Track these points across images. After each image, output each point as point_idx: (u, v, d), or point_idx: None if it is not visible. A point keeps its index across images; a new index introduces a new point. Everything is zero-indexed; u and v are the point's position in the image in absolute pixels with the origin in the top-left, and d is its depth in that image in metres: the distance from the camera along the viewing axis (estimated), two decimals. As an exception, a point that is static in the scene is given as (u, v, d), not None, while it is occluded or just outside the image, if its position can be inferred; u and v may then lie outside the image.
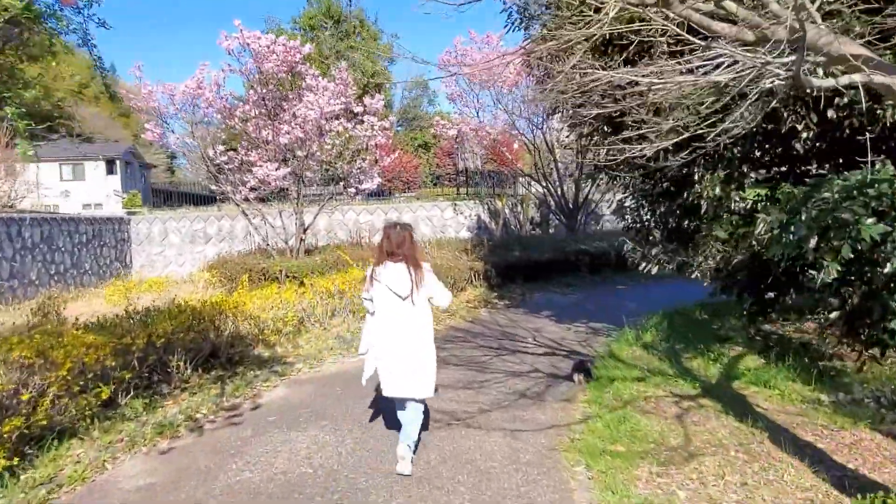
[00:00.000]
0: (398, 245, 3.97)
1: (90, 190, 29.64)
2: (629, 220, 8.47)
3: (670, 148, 4.51)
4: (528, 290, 12.84)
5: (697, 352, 6.69)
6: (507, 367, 6.67)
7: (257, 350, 7.28)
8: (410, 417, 4.03)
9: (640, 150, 4.12)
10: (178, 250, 20.25)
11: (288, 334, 7.98)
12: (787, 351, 6.29)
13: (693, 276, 6.89)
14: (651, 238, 7.82)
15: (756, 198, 6.38)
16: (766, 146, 6.55)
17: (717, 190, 6.35)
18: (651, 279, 14.43)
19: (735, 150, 6.23)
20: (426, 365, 3.98)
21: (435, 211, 19.02)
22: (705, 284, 7.01)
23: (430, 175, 34.90)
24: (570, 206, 17.64)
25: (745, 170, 6.52)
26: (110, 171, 30.14)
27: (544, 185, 17.76)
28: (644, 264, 7.42)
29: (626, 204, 8.49)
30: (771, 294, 6.51)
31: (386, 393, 4.04)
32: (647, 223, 8.11)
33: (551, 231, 21.62)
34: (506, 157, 18.78)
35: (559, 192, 17.52)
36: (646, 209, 8.08)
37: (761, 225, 5.60)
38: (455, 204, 19.13)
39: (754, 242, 5.92)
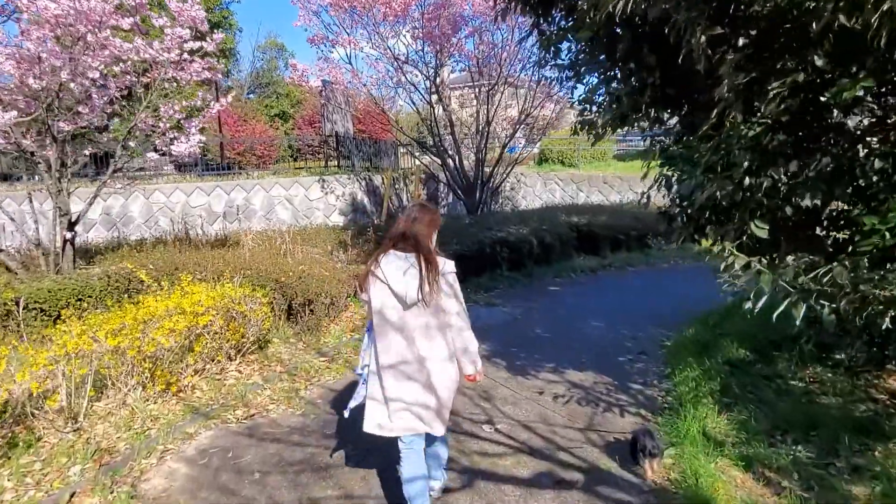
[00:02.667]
0: (407, 228, 2.92)
1: None
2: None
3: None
4: (437, 300, 9.03)
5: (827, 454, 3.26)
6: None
7: None
8: (429, 453, 3.14)
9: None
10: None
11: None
12: None
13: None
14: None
15: None
16: None
17: None
18: (590, 276, 11.31)
19: None
20: (440, 389, 2.91)
21: (297, 189, 14.54)
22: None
23: (290, 149, 29.72)
24: (471, 181, 13.98)
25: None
26: None
27: (435, 154, 13.94)
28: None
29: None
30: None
31: (368, 428, 3.00)
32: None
33: (442, 212, 17.93)
34: (384, 120, 14.71)
35: (456, 164, 13.78)
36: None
37: None
38: (323, 179, 14.76)
39: None
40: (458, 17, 10.57)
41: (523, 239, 11.22)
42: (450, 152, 13.87)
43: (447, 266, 2.92)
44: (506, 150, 14.31)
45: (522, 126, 13.61)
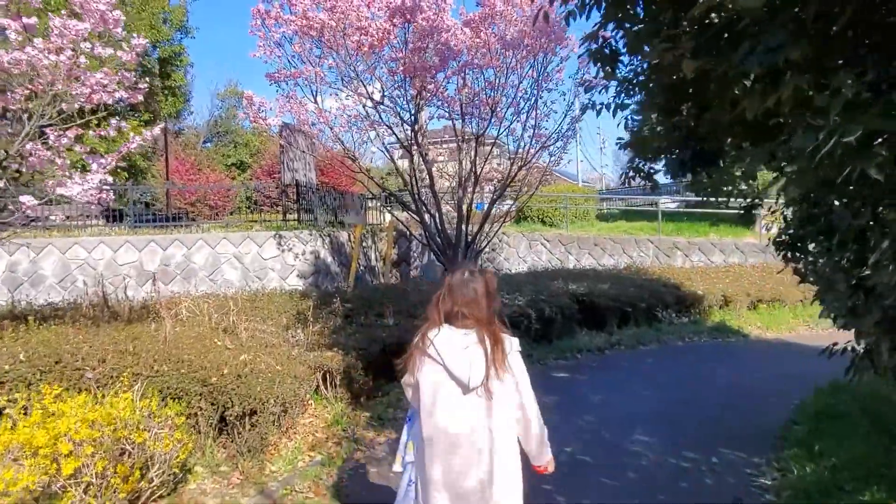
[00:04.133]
0: (467, 302, 2.50)
1: None
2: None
3: None
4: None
5: None
6: None
7: None
8: None
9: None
10: None
11: None
12: None
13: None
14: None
15: None
16: None
17: None
18: (599, 357, 9.43)
19: None
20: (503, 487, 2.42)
21: (248, 246, 12.43)
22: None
23: (248, 200, 27.43)
24: (452, 240, 12.12)
25: None
26: None
27: (412, 208, 12.11)
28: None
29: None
30: None
31: None
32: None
33: (414, 273, 16.01)
34: (353, 169, 12.91)
35: (436, 220, 11.94)
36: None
37: None
38: (280, 235, 12.70)
39: None
40: (446, 50, 8.93)
41: (520, 312, 9.34)
42: (428, 207, 12.04)
43: (514, 344, 2.54)
44: (473, 206, 12.58)
45: (514, 179, 11.96)
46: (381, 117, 10.12)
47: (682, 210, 21.25)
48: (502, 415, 2.46)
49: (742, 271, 13.42)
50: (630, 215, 22.33)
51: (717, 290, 12.12)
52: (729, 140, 3.89)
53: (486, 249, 15.43)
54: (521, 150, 11.45)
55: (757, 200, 4.55)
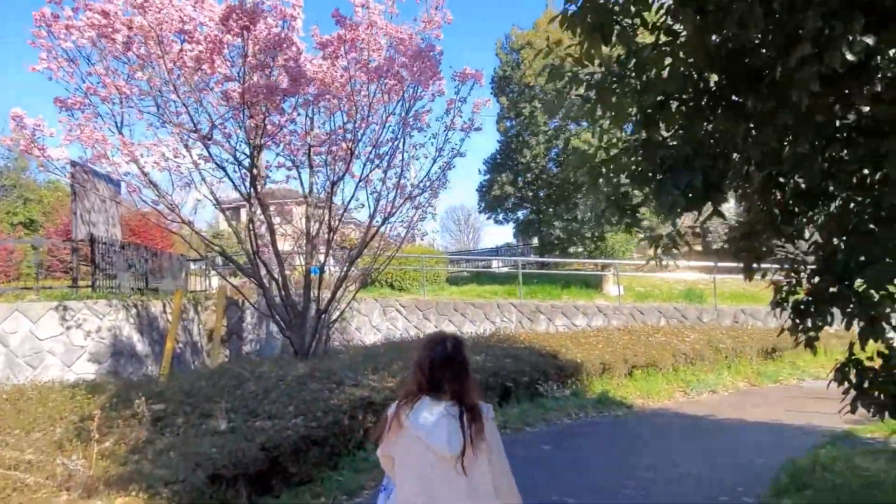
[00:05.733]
0: (446, 372, 2.44)
1: None
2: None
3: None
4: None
5: None
6: None
7: None
8: None
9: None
10: None
11: None
12: None
13: None
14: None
15: None
16: None
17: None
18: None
19: None
20: None
21: (16, 322, 9.22)
22: None
23: (39, 265, 22.38)
24: (301, 309, 9.97)
25: None
26: None
27: (250, 272, 9.82)
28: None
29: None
30: None
31: None
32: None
33: (249, 349, 13.41)
34: (171, 220, 10.45)
35: (280, 285, 9.76)
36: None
37: None
38: (65, 306, 9.61)
39: None
40: (296, 69, 7.08)
41: (393, 397, 7.40)
42: (270, 269, 9.85)
43: (489, 411, 2.50)
44: (326, 268, 10.69)
45: (376, 238, 10.22)
46: (209, 154, 7.92)
47: (533, 272, 20.88)
48: (481, 485, 2.41)
49: (612, 335, 12.72)
50: (481, 279, 21.52)
51: (594, 357, 11.18)
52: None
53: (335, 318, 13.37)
54: (382, 203, 9.80)
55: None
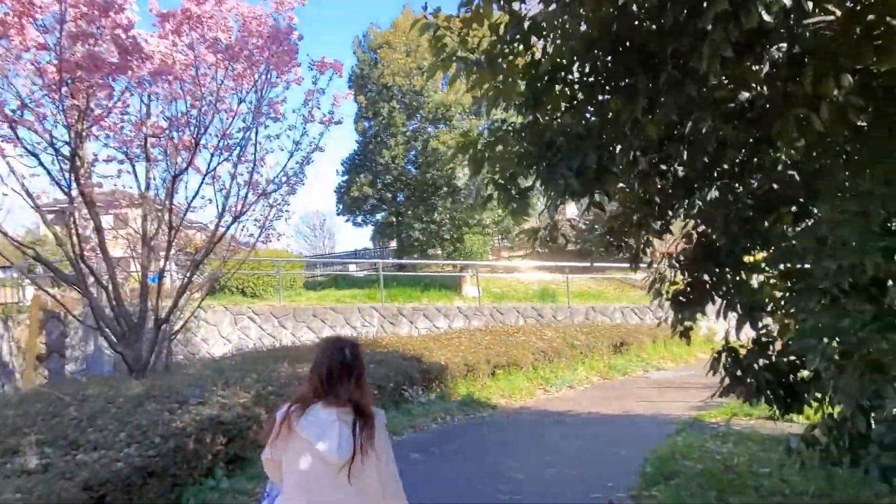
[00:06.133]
0: (343, 378, 2.38)
1: None
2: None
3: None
4: None
5: None
6: None
7: None
8: None
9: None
10: None
11: None
12: None
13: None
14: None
15: None
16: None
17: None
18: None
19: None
20: None
21: None
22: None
23: None
24: (136, 320, 8.82)
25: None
26: None
27: (76, 277, 8.51)
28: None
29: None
30: None
31: None
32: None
33: (73, 368, 11.76)
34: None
35: (111, 295, 8.57)
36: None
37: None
38: None
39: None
40: (131, 43, 6.13)
41: (246, 414, 6.71)
42: (98, 276, 8.62)
43: (381, 417, 2.50)
44: (166, 275, 9.62)
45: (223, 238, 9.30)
46: (17, 137, 6.68)
47: (392, 274, 20.58)
48: (367, 491, 2.38)
49: (474, 336, 12.74)
50: (340, 283, 20.85)
51: (458, 358, 11.08)
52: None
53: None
54: (232, 200, 8.95)
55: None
